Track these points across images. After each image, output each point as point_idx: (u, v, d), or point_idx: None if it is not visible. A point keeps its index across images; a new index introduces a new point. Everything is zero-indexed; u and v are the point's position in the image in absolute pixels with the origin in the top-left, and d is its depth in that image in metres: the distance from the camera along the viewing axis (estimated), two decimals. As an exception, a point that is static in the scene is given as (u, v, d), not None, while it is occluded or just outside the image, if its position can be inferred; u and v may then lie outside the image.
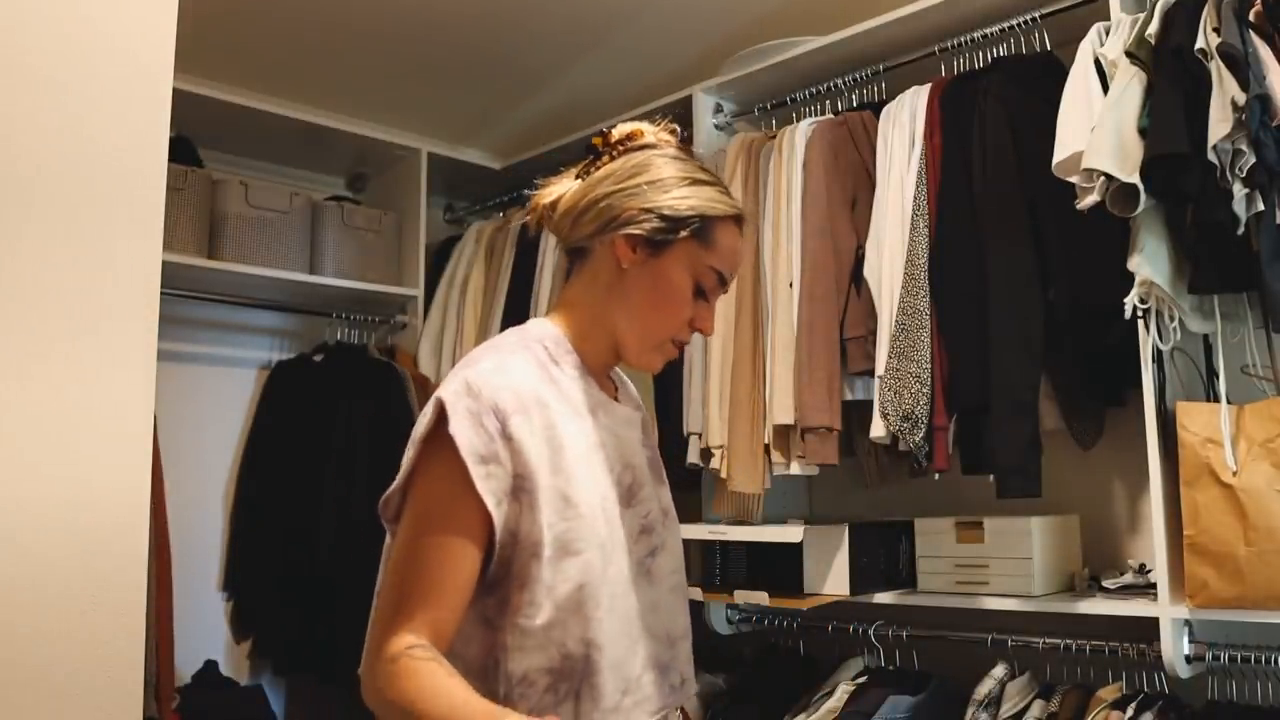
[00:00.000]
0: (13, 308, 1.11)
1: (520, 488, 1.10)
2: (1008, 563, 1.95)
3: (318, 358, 2.91)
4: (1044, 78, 1.97)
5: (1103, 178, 1.66)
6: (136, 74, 1.23)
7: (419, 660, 1.03)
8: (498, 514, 1.09)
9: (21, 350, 1.11)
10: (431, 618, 1.06)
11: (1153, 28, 1.73)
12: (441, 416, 1.09)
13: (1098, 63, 1.81)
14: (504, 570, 1.11)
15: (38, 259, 1.13)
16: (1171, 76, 1.67)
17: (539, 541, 1.10)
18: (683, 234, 1.20)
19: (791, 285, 2.18)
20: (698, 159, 1.31)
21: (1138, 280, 1.68)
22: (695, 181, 1.22)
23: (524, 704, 1.10)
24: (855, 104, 2.38)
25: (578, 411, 1.19)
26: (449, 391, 1.11)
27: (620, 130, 1.28)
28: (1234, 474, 1.63)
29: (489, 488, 1.08)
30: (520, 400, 1.12)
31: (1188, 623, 1.73)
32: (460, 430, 1.07)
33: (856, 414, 2.18)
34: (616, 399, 1.31)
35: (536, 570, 1.10)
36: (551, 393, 1.17)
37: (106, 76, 1.21)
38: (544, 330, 1.24)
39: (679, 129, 1.31)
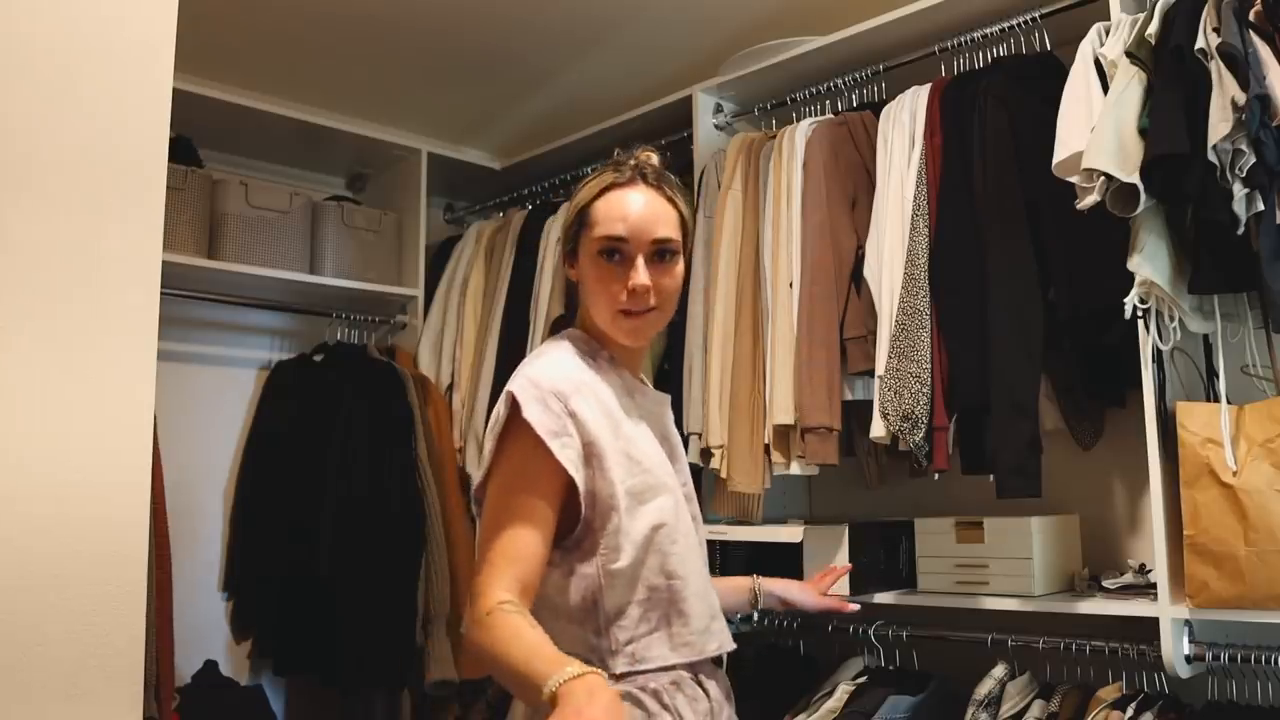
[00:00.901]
0: (13, 309, 1.11)
1: (590, 454, 1.30)
2: (1008, 563, 1.95)
3: (318, 358, 2.91)
4: (1044, 78, 1.97)
5: (1103, 178, 1.66)
6: (136, 74, 1.23)
7: (507, 614, 1.19)
8: (580, 477, 1.28)
9: (21, 351, 1.11)
10: (517, 572, 1.23)
11: (1153, 28, 1.73)
12: (515, 406, 1.29)
13: (1098, 63, 1.81)
14: (587, 527, 1.30)
15: (38, 259, 1.13)
16: (1171, 76, 1.67)
17: (614, 495, 1.30)
18: (579, 234, 1.41)
19: (791, 285, 2.18)
20: (636, 161, 1.42)
21: (1138, 280, 1.68)
22: (582, 187, 1.42)
23: (623, 633, 1.30)
24: (855, 104, 2.38)
25: (619, 391, 1.40)
26: (516, 386, 1.31)
27: None
28: (1234, 474, 1.63)
29: (567, 457, 1.27)
30: (574, 384, 1.33)
31: (1188, 623, 1.73)
32: (532, 414, 1.27)
33: (856, 414, 2.18)
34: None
35: (615, 520, 1.30)
36: (596, 377, 1.38)
37: (106, 76, 1.21)
38: (574, 334, 1.46)
39: (655, 150, 1.46)
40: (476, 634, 1.20)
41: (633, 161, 1.41)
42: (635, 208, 1.36)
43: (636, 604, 1.31)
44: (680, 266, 1.40)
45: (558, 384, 1.32)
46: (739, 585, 1.71)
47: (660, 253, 1.37)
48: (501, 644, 1.16)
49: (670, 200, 1.39)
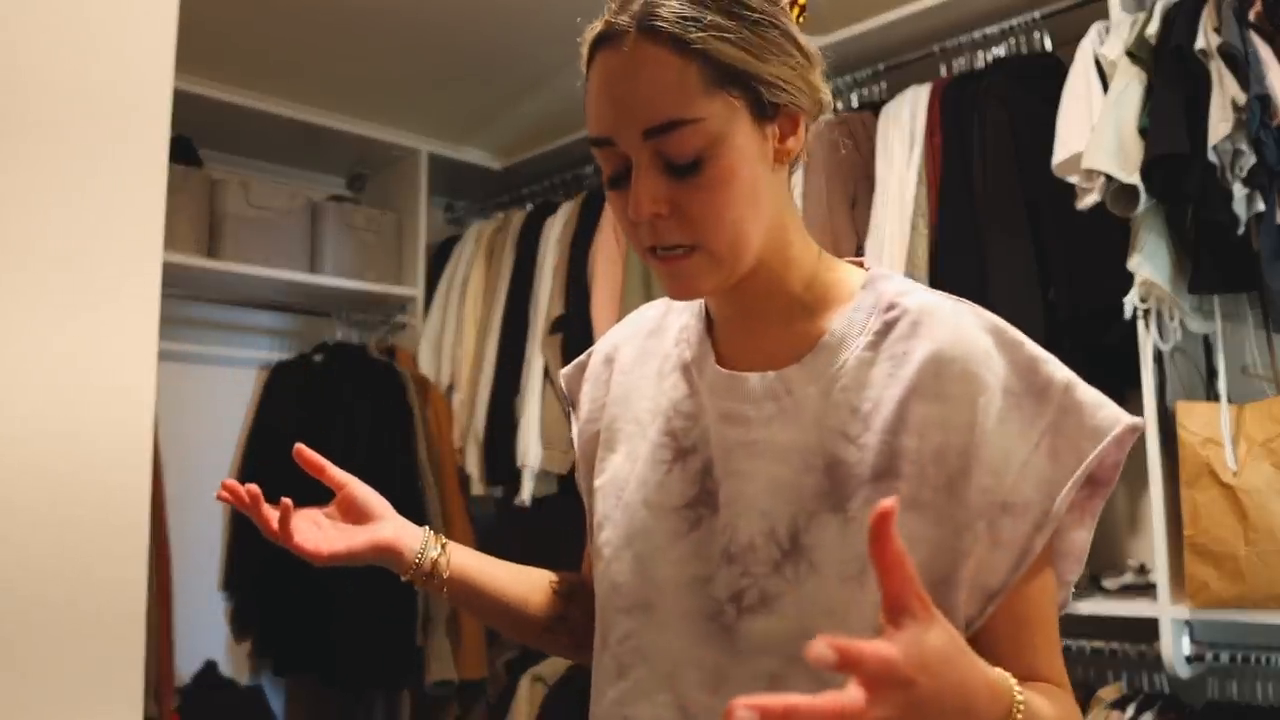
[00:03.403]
0: (13, 309, 1.11)
1: None
2: (1008, 563, 1.95)
3: (318, 358, 2.91)
4: (1044, 78, 1.97)
5: (1103, 178, 1.66)
6: (136, 74, 1.23)
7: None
8: None
9: (21, 350, 1.11)
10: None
11: (1153, 28, 1.73)
12: None
13: (1098, 63, 1.81)
14: None
15: (38, 260, 1.13)
16: (1171, 76, 1.67)
17: None
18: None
19: (791, 285, 2.18)
20: None
21: (1138, 280, 1.68)
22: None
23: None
24: (855, 104, 2.38)
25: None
26: None
27: None
28: (1234, 474, 1.63)
29: None
30: None
31: (1188, 623, 1.73)
32: None
33: (856, 414, 2.17)
34: None
35: None
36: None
37: (106, 76, 1.21)
38: None
39: None
40: None
41: None
42: (614, 77, 0.78)
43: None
44: (723, 162, 0.77)
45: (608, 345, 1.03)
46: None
47: (670, 157, 0.77)
48: None
49: (679, 46, 0.76)
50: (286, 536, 0.90)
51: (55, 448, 1.13)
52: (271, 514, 0.90)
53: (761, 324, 0.86)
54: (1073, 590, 0.84)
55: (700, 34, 0.76)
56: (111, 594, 1.16)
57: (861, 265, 0.89)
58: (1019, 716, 0.67)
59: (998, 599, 0.77)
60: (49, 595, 1.11)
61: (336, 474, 0.98)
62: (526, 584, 1.01)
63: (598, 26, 0.80)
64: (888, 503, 0.56)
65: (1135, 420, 0.78)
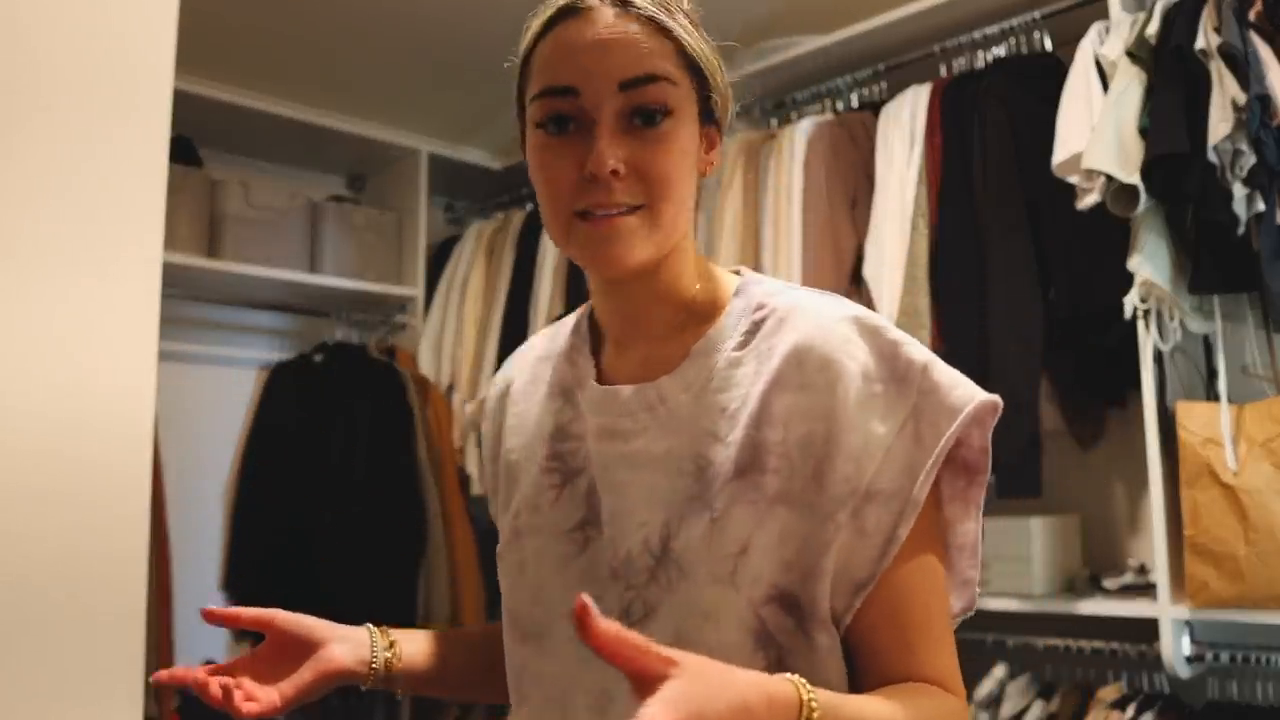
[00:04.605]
0: (13, 310, 1.11)
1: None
2: (1008, 563, 1.95)
3: (318, 358, 2.91)
4: (1044, 78, 1.97)
5: (1103, 178, 1.66)
6: (136, 74, 1.23)
7: None
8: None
9: (21, 350, 1.11)
10: None
11: (1153, 28, 1.73)
12: None
13: (1098, 63, 1.81)
14: None
15: (38, 261, 1.13)
16: (1171, 76, 1.67)
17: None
18: (521, 104, 0.84)
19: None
20: None
21: (1138, 280, 1.68)
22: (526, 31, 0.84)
23: None
24: (855, 104, 2.38)
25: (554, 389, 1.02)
26: None
27: None
28: (1234, 474, 1.63)
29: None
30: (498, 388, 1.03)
31: (1188, 623, 1.73)
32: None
33: (856, 414, 2.17)
34: None
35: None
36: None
37: (106, 76, 1.21)
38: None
39: None
40: None
41: None
42: (587, 38, 0.78)
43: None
44: (683, 134, 0.81)
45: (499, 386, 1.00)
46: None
47: (639, 112, 0.78)
48: None
49: (658, 27, 0.79)
50: (235, 709, 0.80)
51: (55, 448, 1.13)
52: (215, 689, 0.80)
53: (646, 336, 0.86)
54: (977, 590, 0.83)
55: (672, 22, 0.80)
56: (111, 594, 1.15)
57: (738, 274, 0.90)
58: (815, 716, 0.64)
59: (865, 590, 0.76)
60: (49, 595, 1.11)
61: (255, 615, 0.88)
62: (489, 648, 0.96)
63: (557, 3, 0.81)
64: (583, 598, 0.56)
65: (991, 397, 0.79)
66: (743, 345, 0.82)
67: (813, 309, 0.81)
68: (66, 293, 1.16)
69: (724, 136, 0.88)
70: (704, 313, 0.86)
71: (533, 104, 0.80)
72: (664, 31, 0.79)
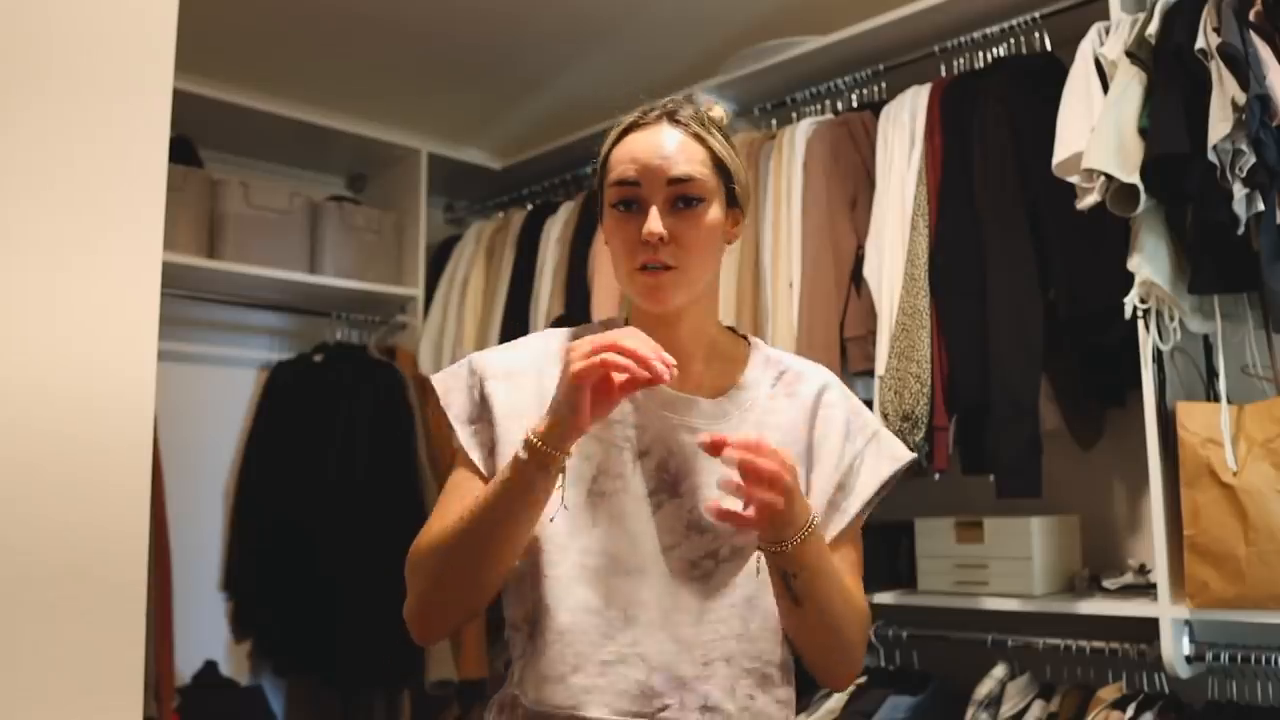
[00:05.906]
0: (13, 310, 1.11)
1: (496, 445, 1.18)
2: (1008, 563, 1.95)
3: (318, 358, 2.91)
4: (1044, 78, 1.97)
5: (1103, 178, 1.66)
6: (136, 74, 1.23)
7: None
8: (484, 468, 1.18)
9: (20, 349, 1.11)
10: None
11: (1153, 28, 1.73)
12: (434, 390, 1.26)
13: (1098, 63, 1.81)
14: None
15: (37, 261, 1.13)
16: (1171, 76, 1.67)
17: None
18: (601, 191, 1.21)
19: (791, 285, 2.18)
20: (670, 101, 1.23)
21: (1138, 280, 1.68)
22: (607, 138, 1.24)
23: (514, 649, 1.18)
24: (855, 104, 2.38)
25: None
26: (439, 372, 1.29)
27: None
28: (1234, 474, 1.63)
29: (472, 444, 1.20)
30: (507, 369, 1.22)
31: (1188, 623, 1.73)
32: (449, 399, 1.23)
33: (856, 414, 2.18)
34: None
35: None
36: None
37: (106, 77, 1.21)
38: (592, 324, 1.33)
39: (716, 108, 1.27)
40: (410, 570, 1.15)
41: (664, 101, 1.22)
42: (649, 146, 1.16)
43: (523, 620, 1.16)
44: (711, 215, 1.16)
45: (489, 365, 1.21)
46: None
47: (680, 199, 1.14)
48: (443, 530, 1.11)
49: (698, 138, 1.17)
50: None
51: (54, 448, 1.13)
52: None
53: (687, 358, 1.18)
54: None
55: (707, 135, 1.19)
56: (111, 594, 1.15)
57: (734, 331, 1.29)
58: (814, 523, 1.07)
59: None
60: (49, 595, 1.11)
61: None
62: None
63: (629, 119, 1.21)
64: (712, 436, 1.01)
65: (911, 455, 1.25)
66: (773, 385, 1.23)
67: (815, 368, 1.27)
68: (66, 293, 1.16)
69: (745, 215, 1.25)
70: (726, 354, 1.24)
71: (609, 189, 1.18)
72: (701, 140, 1.18)
